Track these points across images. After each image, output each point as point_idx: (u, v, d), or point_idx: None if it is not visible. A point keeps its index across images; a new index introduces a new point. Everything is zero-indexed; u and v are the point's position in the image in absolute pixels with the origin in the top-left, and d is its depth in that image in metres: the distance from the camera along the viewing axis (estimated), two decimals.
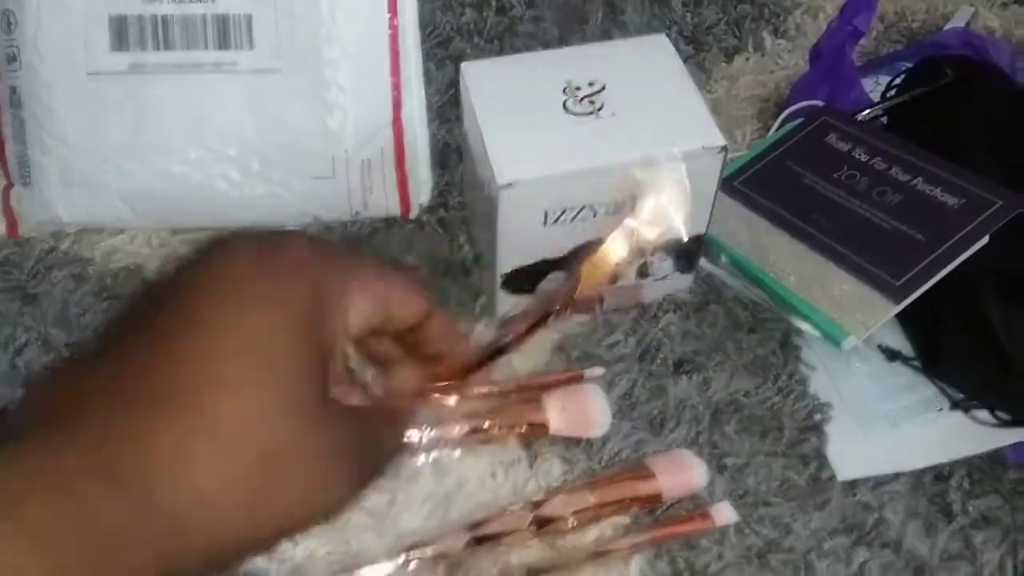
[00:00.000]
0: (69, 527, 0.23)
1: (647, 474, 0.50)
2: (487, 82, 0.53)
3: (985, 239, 0.52)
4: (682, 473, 0.50)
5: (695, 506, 0.50)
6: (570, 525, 0.49)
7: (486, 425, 0.52)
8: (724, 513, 0.49)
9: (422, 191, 0.62)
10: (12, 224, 0.61)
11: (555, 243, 0.52)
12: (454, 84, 0.67)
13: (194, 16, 0.57)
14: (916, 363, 0.54)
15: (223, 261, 0.28)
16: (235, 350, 0.26)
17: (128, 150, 0.58)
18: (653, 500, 0.50)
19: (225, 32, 0.57)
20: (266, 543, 0.28)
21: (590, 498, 0.49)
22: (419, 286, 0.33)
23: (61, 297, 0.58)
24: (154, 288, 0.29)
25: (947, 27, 0.72)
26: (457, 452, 0.52)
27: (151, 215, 0.60)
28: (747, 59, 0.74)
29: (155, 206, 0.59)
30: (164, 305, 0.27)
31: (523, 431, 0.52)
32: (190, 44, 0.57)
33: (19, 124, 0.58)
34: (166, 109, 0.57)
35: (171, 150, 0.58)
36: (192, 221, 0.61)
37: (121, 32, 0.57)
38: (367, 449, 0.30)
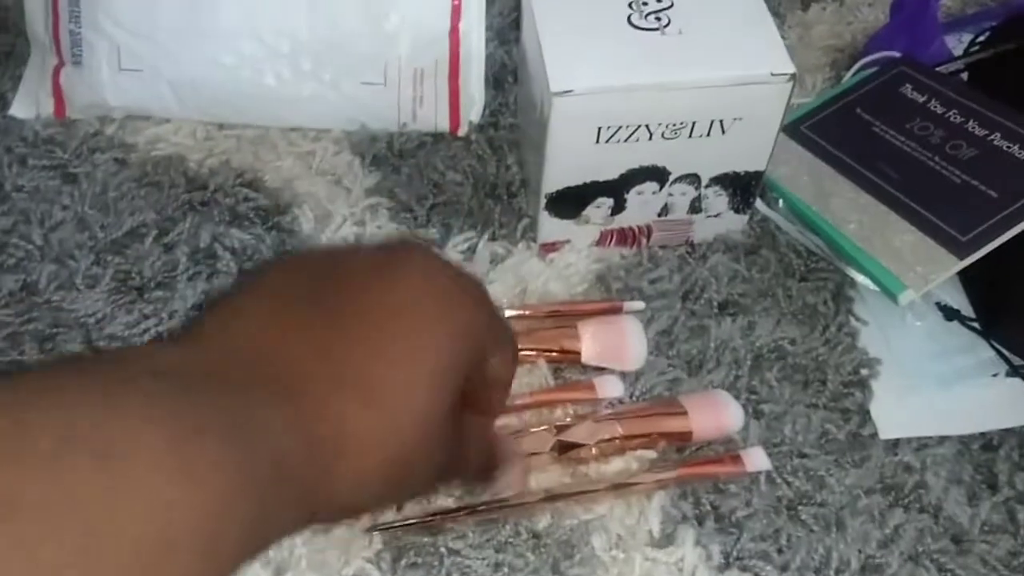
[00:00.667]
0: (258, 453, 0.26)
1: (679, 410, 0.48)
2: None
3: None
4: (715, 413, 0.48)
5: (727, 450, 0.48)
6: (593, 453, 0.47)
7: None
8: (756, 459, 0.47)
9: (473, 108, 0.60)
10: (60, 104, 0.60)
11: (606, 164, 0.50)
12: (517, 7, 0.65)
13: None
14: (975, 324, 0.51)
15: (415, 276, 0.32)
16: (408, 358, 0.30)
17: (181, 36, 0.57)
18: (683, 438, 0.48)
19: None
20: (392, 501, 0.36)
21: (617, 428, 0.47)
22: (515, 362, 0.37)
23: (102, 180, 0.57)
24: (340, 267, 0.32)
25: None
26: None
27: (198, 106, 0.59)
28: (824, 8, 0.70)
29: (202, 97, 0.58)
30: (355, 299, 0.31)
31: (554, 356, 0.51)
32: None
33: (74, 1, 0.57)
34: None
35: (224, 40, 0.57)
36: (238, 116, 0.60)
37: None
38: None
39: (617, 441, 0.47)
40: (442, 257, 0.34)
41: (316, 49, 0.57)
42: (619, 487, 0.46)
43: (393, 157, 0.59)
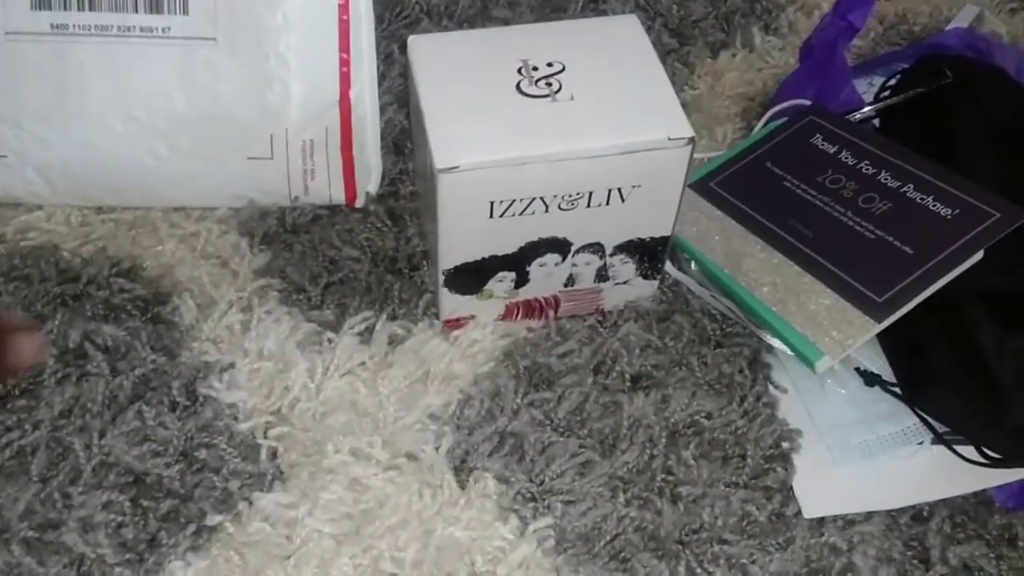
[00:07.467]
0: None
1: None
2: (435, 57, 0.48)
3: (980, 254, 0.47)
4: None
5: None
6: None
7: None
8: None
9: (370, 178, 0.57)
10: None
11: (503, 238, 0.47)
12: None
13: None
14: (897, 390, 0.48)
15: None
16: None
17: (47, 118, 0.53)
18: None
19: None
20: None
21: None
22: None
23: None
24: None
25: (949, 27, 0.67)
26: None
27: (71, 190, 0.55)
28: (734, 55, 0.68)
29: (75, 180, 0.54)
30: None
31: None
32: (117, 5, 0.52)
33: None
34: (90, 75, 0.52)
35: (94, 120, 0.53)
36: (116, 199, 0.56)
37: None
38: None
39: None
40: None
41: (195, 124, 0.53)
42: None
43: (285, 233, 0.56)
